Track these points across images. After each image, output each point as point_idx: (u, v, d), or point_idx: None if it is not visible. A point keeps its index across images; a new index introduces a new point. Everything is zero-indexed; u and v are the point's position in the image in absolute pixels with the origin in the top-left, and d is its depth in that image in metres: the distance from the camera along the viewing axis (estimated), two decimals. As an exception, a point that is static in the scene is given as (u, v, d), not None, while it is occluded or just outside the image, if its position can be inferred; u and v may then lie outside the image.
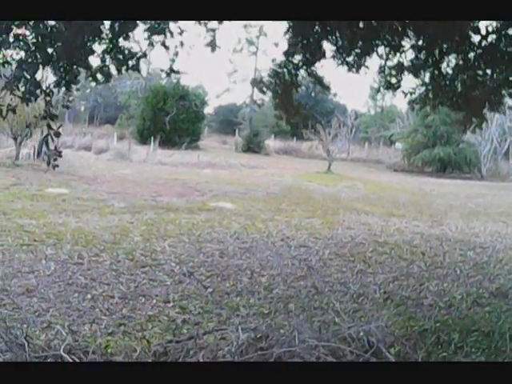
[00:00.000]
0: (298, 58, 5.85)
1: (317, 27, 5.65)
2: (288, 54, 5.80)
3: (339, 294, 5.93)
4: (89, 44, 4.60)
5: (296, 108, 6.42)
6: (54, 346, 3.71)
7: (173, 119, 32.78)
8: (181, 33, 4.95)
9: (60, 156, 4.71)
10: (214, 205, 11.72)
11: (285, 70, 5.93)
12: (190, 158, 24.54)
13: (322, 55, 5.70)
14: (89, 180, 14.71)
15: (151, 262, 6.73)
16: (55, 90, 4.69)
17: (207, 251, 7.52)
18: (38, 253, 6.76)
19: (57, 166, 4.74)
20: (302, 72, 6.18)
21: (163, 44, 4.97)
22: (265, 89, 6.23)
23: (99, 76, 4.85)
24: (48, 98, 4.63)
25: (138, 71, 5.21)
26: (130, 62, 4.90)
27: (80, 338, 4.28)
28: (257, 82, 6.43)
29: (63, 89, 4.74)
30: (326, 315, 5.12)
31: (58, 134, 4.76)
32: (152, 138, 27.81)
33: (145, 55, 4.99)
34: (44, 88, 4.52)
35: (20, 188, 12.39)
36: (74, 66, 4.66)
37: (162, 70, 5.50)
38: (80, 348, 3.50)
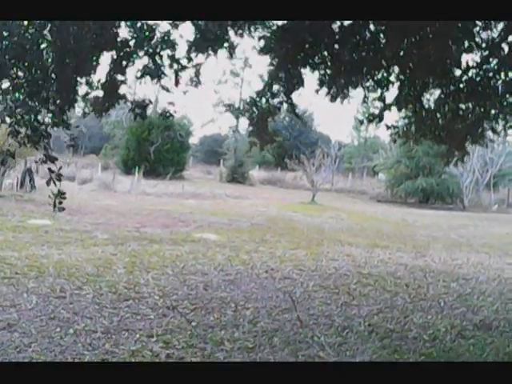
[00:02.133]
0: (276, 88, 5.92)
1: (299, 57, 5.74)
2: (267, 83, 5.87)
3: (324, 327, 5.90)
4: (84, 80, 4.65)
5: (271, 135, 6.47)
6: (35, 383, 3.64)
7: (157, 149, 32.84)
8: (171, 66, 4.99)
9: (64, 198, 4.71)
10: (199, 236, 11.69)
11: (263, 98, 5.99)
12: (174, 189, 24.51)
13: (301, 84, 5.78)
14: (72, 211, 14.57)
15: (134, 295, 6.67)
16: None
17: (191, 283, 7.47)
18: (19, 286, 6.67)
19: (63, 209, 4.74)
20: (284, 105, 6.26)
21: (164, 88, 5.00)
22: (240, 115, 6.32)
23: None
24: (46, 141, 4.64)
25: (144, 118, 5.25)
26: (137, 110, 4.95)
27: (61, 375, 4.21)
28: (232, 108, 6.50)
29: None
30: (310, 349, 5.09)
31: (59, 176, 4.77)
32: (136, 168, 27.77)
33: (150, 102, 5.05)
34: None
35: (2, 219, 12.28)
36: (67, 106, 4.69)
37: (161, 115, 5.56)
38: (61, 385, 3.44)
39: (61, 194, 4.66)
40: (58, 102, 4.50)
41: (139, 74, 4.67)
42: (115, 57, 4.55)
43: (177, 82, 4.85)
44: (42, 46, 4.28)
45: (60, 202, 4.70)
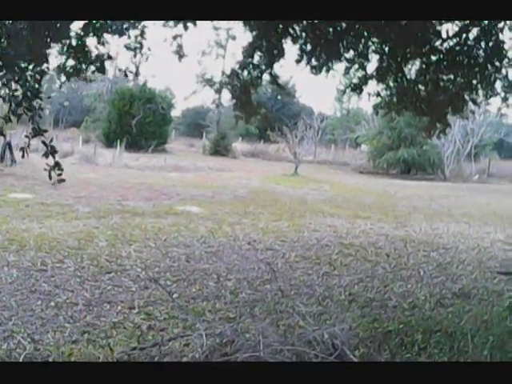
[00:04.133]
0: (257, 59, 5.88)
1: (279, 29, 5.69)
2: (247, 54, 5.82)
3: (305, 297, 5.97)
4: (52, 45, 4.56)
5: (255, 108, 6.44)
6: (15, 355, 3.66)
7: (139, 122, 32.55)
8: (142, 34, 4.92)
9: (62, 169, 4.66)
10: (181, 208, 11.67)
11: (244, 70, 5.95)
12: (156, 162, 24.37)
13: (282, 55, 5.74)
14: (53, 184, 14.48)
15: (116, 268, 6.68)
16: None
17: (173, 256, 7.48)
18: (-1, 260, 6.65)
19: (63, 180, 4.71)
20: (266, 76, 6.22)
21: (133, 49, 4.94)
22: (222, 88, 6.27)
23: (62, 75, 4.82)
24: (30, 114, 4.57)
25: (103, 73, 5.17)
26: (95, 65, 4.87)
27: (42, 347, 4.22)
28: (211, 82, 6.45)
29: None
30: (291, 319, 5.14)
31: (54, 150, 4.72)
32: (118, 142, 27.54)
33: (110, 57, 4.96)
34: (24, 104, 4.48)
35: (-18, 193, 12.16)
36: (37, 70, 4.61)
37: (122, 72, 5.47)
38: (41, 357, 3.46)
39: (58, 166, 4.61)
40: (30, 71, 4.43)
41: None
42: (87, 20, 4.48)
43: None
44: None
45: (59, 174, 4.65)
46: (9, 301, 5.29)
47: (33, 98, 4.53)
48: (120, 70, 5.38)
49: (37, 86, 4.63)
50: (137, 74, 5.28)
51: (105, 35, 4.68)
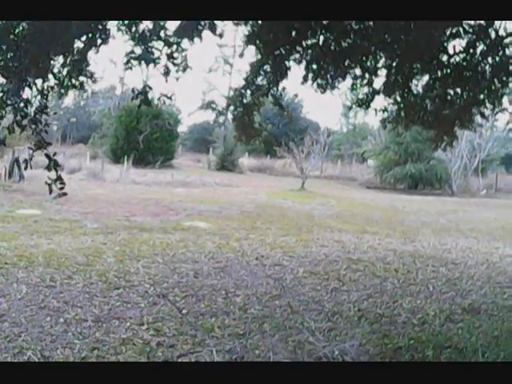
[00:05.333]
0: (261, 78, 5.90)
1: (283, 49, 5.72)
2: (251, 74, 5.85)
3: (314, 313, 5.94)
4: (55, 58, 4.60)
5: (256, 130, 6.46)
6: (26, 372, 3.64)
7: (146, 138, 32.69)
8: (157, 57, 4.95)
9: (64, 183, 4.68)
10: (189, 224, 11.69)
11: (247, 90, 5.97)
12: (163, 177, 24.46)
13: (286, 75, 5.76)
14: (61, 200, 14.50)
15: (125, 284, 6.68)
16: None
17: (181, 271, 7.48)
18: (9, 276, 6.66)
19: (64, 194, 4.72)
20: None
21: (165, 73, 4.96)
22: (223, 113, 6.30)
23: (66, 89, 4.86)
24: (34, 126, 4.60)
25: (148, 104, 5.18)
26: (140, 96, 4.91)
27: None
28: (210, 105, 6.49)
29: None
30: (300, 335, 5.12)
31: (56, 163, 4.74)
32: (125, 157, 27.66)
33: (150, 88, 5.00)
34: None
35: (-10, 209, 12.21)
36: (45, 86, 4.65)
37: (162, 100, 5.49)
38: (52, 374, 3.45)
39: (60, 180, 4.63)
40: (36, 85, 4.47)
41: (125, 60, 4.63)
42: (90, 35, 4.51)
43: (167, 72, 4.81)
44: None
45: (61, 188, 4.66)
46: (18, 317, 5.29)
47: (38, 111, 4.56)
48: (159, 98, 5.40)
49: (44, 100, 4.66)
50: (170, 98, 5.31)
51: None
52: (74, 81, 4.82)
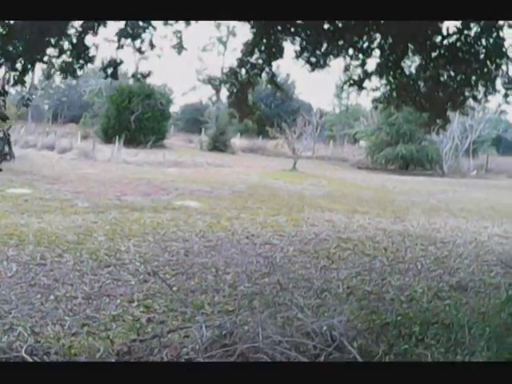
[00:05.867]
0: (256, 57, 5.90)
1: (279, 27, 5.70)
2: (246, 52, 5.84)
3: (303, 290, 6.00)
4: (53, 41, 4.58)
5: (250, 108, 6.47)
6: (16, 347, 3.68)
7: (138, 118, 32.51)
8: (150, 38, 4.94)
9: (6, 159, 4.68)
10: (180, 203, 11.70)
11: (242, 68, 5.97)
12: (155, 157, 24.39)
13: (280, 55, 5.76)
14: (52, 180, 14.52)
15: (115, 262, 6.70)
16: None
17: (172, 250, 7.51)
18: (-1, 254, 6.67)
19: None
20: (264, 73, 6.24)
21: (138, 49, 4.94)
22: (220, 86, 6.30)
23: (62, 72, 4.84)
24: (2, 98, 4.58)
25: (115, 78, 5.17)
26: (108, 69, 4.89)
27: (43, 339, 4.25)
28: (212, 80, 6.48)
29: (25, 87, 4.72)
30: (289, 311, 5.16)
31: (7, 136, 4.75)
32: (117, 137, 27.53)
33: (121, 62, 4.98)
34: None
35: (-19, 189, 12.17)
36: (30, 65, 4.63)
37: (136, 78, 5.46)
38: (42, 349, 3.49)
39: (3, 155, 4.64)
40: (22, 60, 4.44)
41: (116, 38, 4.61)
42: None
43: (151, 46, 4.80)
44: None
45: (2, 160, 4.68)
46: (8, 294, 5.31)
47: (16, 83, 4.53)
48: (133, 75, 5.37)
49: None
50: (147, 76, 5.30)
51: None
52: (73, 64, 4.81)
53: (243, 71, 6.15)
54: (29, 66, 4.75)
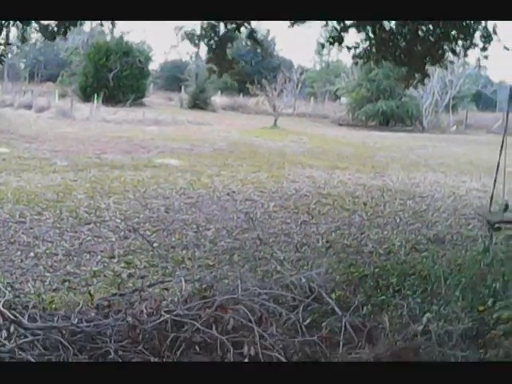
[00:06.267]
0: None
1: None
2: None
3: (283, 245, 6.07)
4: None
5: (229, 62, 6.39)
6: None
7: (116, 76, 32.01)
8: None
9: None
10: (160, 161, 11.65)
11: (221, 23, 5.87)
12: (134, 116, 24.10)
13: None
14: (30, 139, 14.32)
15: (95, 219, 6.70)
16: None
17: (153, 207, 7.52)
18: (-23, 213, 6.62)
19: None
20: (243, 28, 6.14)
21: None
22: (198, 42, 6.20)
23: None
24: None
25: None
26: None
27: (22, 295, 4.26)
28: (189, 35, 6.36)
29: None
30: (269, 265, 5.23)
31: None
32: (95, 96, 27.13)
33: None
34: None
35: (-43, 148, 12.00)
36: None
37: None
38: (21, 303, 3.51)
39: None
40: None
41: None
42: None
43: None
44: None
45: None
46: (-12, 252, 5.31)
47: None
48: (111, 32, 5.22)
49: None
50: (113, 24, 5.19)
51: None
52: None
53: (222, 26, 6.05)
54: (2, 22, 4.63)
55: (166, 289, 4.31)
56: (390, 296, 4.49)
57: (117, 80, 32.09)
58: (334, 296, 4.35)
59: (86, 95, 30.61)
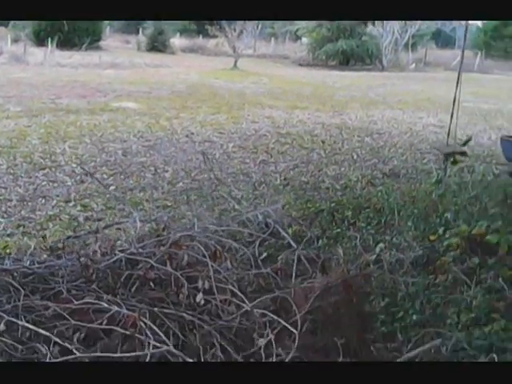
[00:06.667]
0: None
1: None
2: None
3: (241, 184, 6.10)
4: None
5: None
6: None
7: (70, 19, 30.97)
8: None
9: None
10: (117, 105, 11.43)
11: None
12: (90, 59, 23.46)
13: None
14: (-19, 85, 13.86)
15: (51, 164, 6.59)
16: None
17: (110, 151, 7.42)
18: None
19: None
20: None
21: None
22: None
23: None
24: None
25: None
26: None
27: (-25, 240, 4.22)
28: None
29: None
30: (227, 204, 5.26)
31: None
32: (49, 40, 26.26)
33: None
34: None
35: None
36: None
37: None
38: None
39: None
40: None
41: None
42: None
43: None
44: None
45: None
46: None
47: None
48: None
49: None
50: None
51: None
52: None
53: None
54: None
55: (122, 229, 4.31)
56: (345, 229, 4.60)
57: (71, 23, 31.03)
58: (290, 231, 4.42)
59: (40, 39, 29.61)
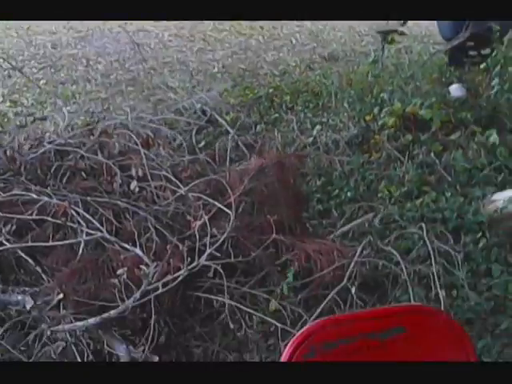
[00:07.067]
0: None
1: None
2: None
3: (178, 73, 5.93)
4: None
5: None
6: None
7: None
8: None
9: None
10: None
11: None
12: None
13: None
14: None
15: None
16: None
17: (38, 44, 7.04)
18: None
19: None
20: None
21: None
22: None
23: None
24: None
25: None
26: None
27: None
28: None
29: None
30: (163, 93, 5.14)
31: None
32: None
33: None
34: None
35: None
36: None
37: None
38: None
39: None
40: None
41: None
42: None
43: None
44: None
45: None
46: None
47: None
48: None
49: None
50: None
51: None
52: None
53: None
54: None
55: (52, 122, 4.18)
56: (283, 113, 4.58)
57: None
58: (228, 118, 4.38)
59: None
